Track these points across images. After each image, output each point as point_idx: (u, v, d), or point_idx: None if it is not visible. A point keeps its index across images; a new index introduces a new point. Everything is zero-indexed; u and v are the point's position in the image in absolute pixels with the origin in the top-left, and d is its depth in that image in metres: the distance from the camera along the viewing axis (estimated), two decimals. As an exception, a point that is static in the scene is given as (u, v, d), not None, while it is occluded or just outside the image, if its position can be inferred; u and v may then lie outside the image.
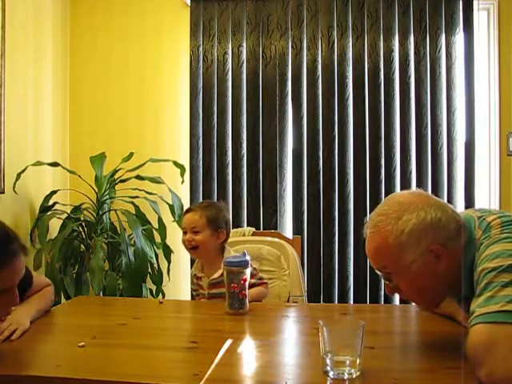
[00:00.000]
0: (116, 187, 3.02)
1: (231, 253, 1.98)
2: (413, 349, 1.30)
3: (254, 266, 1.99)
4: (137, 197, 2.91)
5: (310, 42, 3.19)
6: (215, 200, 3.19)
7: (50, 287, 1.73)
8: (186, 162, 3.17)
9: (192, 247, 1.94)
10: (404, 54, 3.13)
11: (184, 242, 1.97)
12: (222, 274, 1.84)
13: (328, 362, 1.05)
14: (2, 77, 2.66)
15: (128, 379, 1.06)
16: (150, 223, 3.00)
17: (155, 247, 2.99)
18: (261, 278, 1.94)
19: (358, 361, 1.05)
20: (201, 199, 3.23)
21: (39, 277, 1.73)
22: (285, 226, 3.22)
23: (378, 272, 1.24)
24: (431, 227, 1.15)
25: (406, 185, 3.12)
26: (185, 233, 1.97)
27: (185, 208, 2.95)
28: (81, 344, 1.29)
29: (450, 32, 3.10)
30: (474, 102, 3.07)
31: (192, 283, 2.07)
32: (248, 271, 1.65)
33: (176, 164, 2.95)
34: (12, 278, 1.23)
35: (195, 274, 2.02)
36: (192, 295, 2.10)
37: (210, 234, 1.93)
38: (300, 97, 3.20)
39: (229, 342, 1.30)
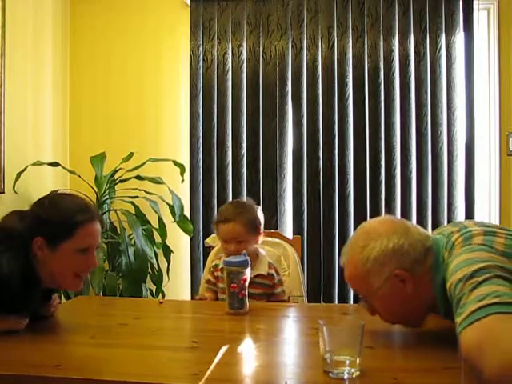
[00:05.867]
0: (116, 187, 3.02)
1: (263, 252, 1.99)
2: (412, 348, 1.30)
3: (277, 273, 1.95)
4: (137, 197, 2.91)
5: (310, 42, 3.19)
6: (213, 199, 3.19)
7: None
8: (186, 161, 3.16)
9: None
10: (404, 54, 3.13)
11: (226, 251, 1.90)
12: (258, 275, 1.88)
13: (328, 361, 1.05)
14: (2, 77, 2.66)
15: (128, 378, 1.06)
16: (149, 223, 3.00)
17: (155, 247, 2.99)
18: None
19: (357, 360, 1.05)
20: (201, 199, 3.23)
21: None
22: (285, 226, 3.22)
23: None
24: (394, 254, 1.22)
25: (406, 185, 3.12)
26: (225, 241, 1.91)
27: (185, 208, 2.99)
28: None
29: (449, 32, 3.10)
30: (474, 102, 3.07)
31: (211, 276, 1.99)
32: (248, 271, 1.65)
33: (176, 163, 2.95)
34: (87, 239, 1.43)
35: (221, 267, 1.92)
36: (212, 290, 1.98)
37: (252, 239, 1.91)
38: (300, 97, 3.20)
39: (229, 341, 1.30)
